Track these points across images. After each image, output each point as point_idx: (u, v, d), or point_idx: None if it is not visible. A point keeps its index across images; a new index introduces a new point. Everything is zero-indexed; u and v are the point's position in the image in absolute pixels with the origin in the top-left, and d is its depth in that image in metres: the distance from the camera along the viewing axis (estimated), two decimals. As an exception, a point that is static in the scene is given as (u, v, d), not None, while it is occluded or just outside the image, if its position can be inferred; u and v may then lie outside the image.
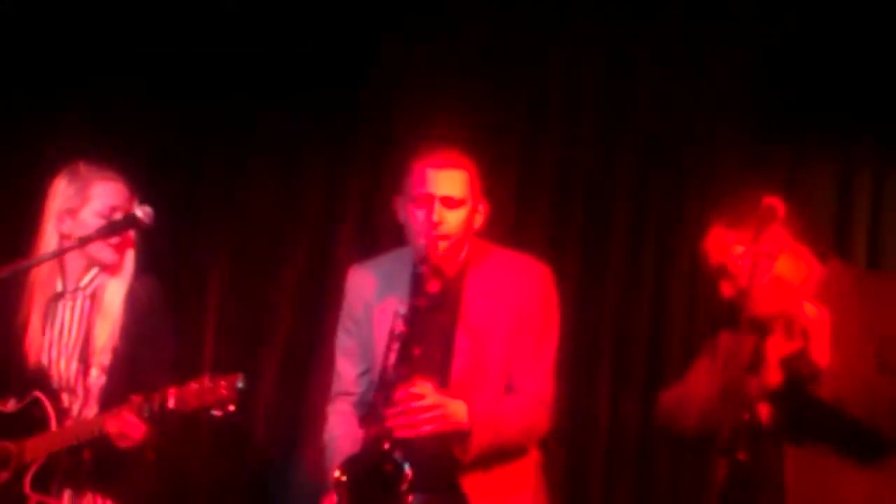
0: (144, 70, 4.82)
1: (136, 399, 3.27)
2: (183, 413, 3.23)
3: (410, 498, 3.10)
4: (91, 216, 3.46)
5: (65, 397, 3.47)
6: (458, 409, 3.22)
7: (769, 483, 3.08)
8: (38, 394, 3.43)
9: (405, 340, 3.21)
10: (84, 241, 3.40)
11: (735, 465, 3.03)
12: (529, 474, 3.41)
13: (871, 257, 4.34)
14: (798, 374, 2.96)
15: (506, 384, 3.36)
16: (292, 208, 4.92)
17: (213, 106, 4.89)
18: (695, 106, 4.59)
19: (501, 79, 4.76)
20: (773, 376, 3.00)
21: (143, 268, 3.58)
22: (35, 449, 3.39)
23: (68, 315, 3.53)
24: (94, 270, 3.54)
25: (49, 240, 3.50)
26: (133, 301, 3.52)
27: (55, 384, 3.47)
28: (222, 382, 3.19)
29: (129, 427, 3.27)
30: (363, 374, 3.47)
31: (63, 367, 3.48)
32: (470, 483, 3.28)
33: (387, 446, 3.13)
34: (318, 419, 3.64)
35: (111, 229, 3.42)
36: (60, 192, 3.51)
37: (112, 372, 3.47)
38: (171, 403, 3.22)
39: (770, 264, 3.00)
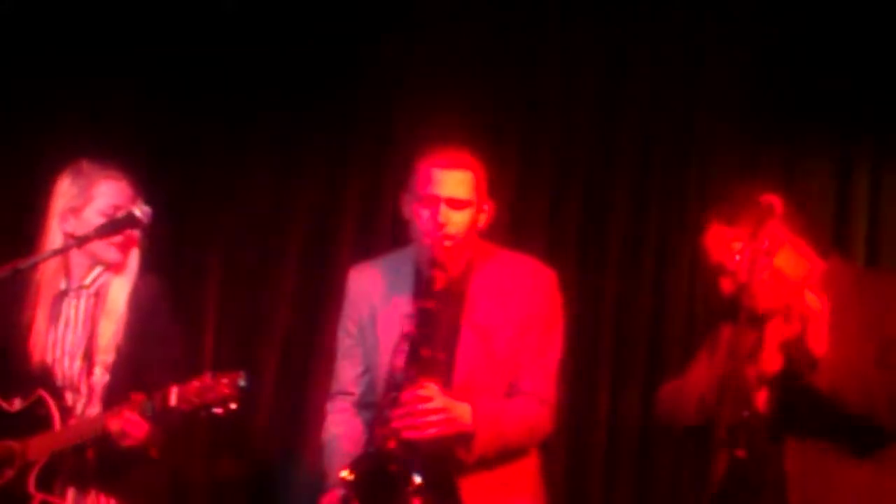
0: (144, 70, 4.82)
1: (138, 397, 3.27)
2: (184, 411, 3.23)
3: (417, 501, 3.11)
4: (94, 215, 3.46)
5: (69, 396, 3.47)
6: (463, 412, 3.22)
7: (769, 479, 3.08)
8: (42, 392, 3.43)
9: (413, 342, 3.20)
10: (81, 241, 3.40)
11: (734, 462, 3.04)
12: (529, 477, 3.41)
13: (870, 256, 4.35)
14: (794, 362, 2.98)
15: (509, 386, 3.36)
16: (292, 208, 4.91)
17: (212, 106, 4.89)
18: (694, 106, 4.59)
19: (501, 79, 4.76)
20: (772, 363, 3.01)
21: (146, 266, 3.57)
22: (38, 448, 3.38)
23: (72, 313, 3.52)
24: (99, 269, 3.54)
25: (53, 238, 3.49)
26: (137, 300, 3.52)
27: (59, 383, 3.47)
28: (224, 380, 3.19)
29: (131, 425, 3.27)
30: (363, 373, 3.47)
31: (67, 365, 3.48)
32: (469, 485, 3.27)
33: (393, 447, 3.13)
34: (318, 418, 3.64)
35: (109, 228, 3.42)
36: (64, 190, 3.52)
37: (116, 370, 3.47)
38: (172, 401, 3.22)
39: (768, 261, 3.01)
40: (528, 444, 3.39)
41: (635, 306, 4.58)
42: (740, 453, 2.99)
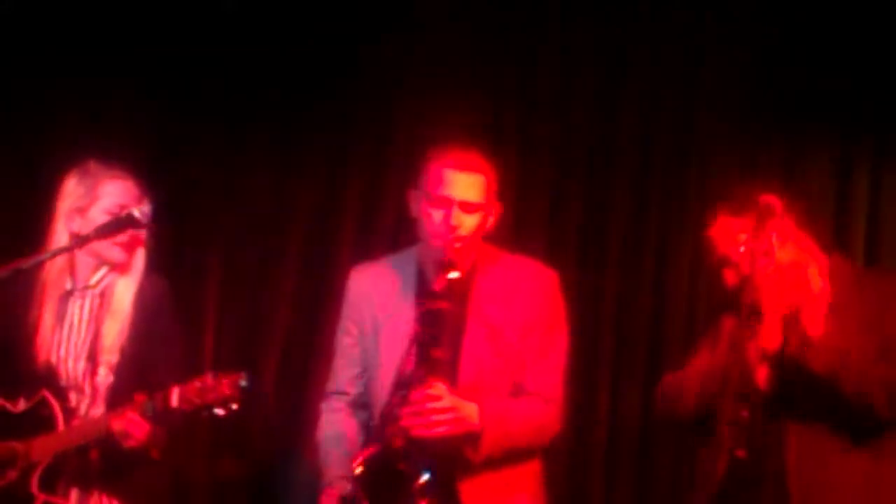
0: (144, 70, 4.82)
1: (140, 398, 3.27)
2: (186, 412, 3.23)
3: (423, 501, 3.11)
4: (100, 214, 3.45)
5: (72, 396, 3.46)
6: (471, 412, 3.21)
7: (770, 472, 3.09)
8: (46, 393, 3.42)
9: (423, 342, 3.19)
10: (81, 241, 3.40)
11: (734, 462, 3.05)
12: (530, 480, 3.40)
13: (870, 255, 4.35)
14: (790, 339, 3.01)
15: (514, 386, 3.35)
16: (292, 208, 4.91)
17: (212, 106, 4.89)
18: (694, 106, 4.59)
19: (501, 79, 4.76)
20: (772, 340, 3.02)
21: (151, 267, 3.57)
22: (42, 448, 3.38)
23: (77, 314, 3.52)
24: (104, 269, 3.54)
25: (59, 238, 3.49)
26: (142, 300, 3.51)
27: (63, 383, 3.46)
28: (225, 381, 3.19)
29: (132, 426, 3.27)
30: (360, 374, 3.46)
31: (71, 365, 3.48)
32: (470, 487, 3.27)
33: (402, 445, 3.13)
34: (317, 417, 3.64)
35: (108, 229, 3.41)
36: (70, 190, 3.51)
37: (120, 371, 3.46)
38: (174, 402, 3.22)
39: (768, 262, 3.02)
40: (537, 444, 3.38)
41: (635, 306, 4.58)
42: (740, 453, 3.00)
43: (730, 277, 3.15)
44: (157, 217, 3.46)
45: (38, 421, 3.40)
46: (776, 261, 3.03)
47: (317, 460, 3.47)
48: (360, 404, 3.45)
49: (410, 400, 3.16)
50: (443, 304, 3.20)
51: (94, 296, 3.53)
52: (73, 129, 4.70)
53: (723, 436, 3.09)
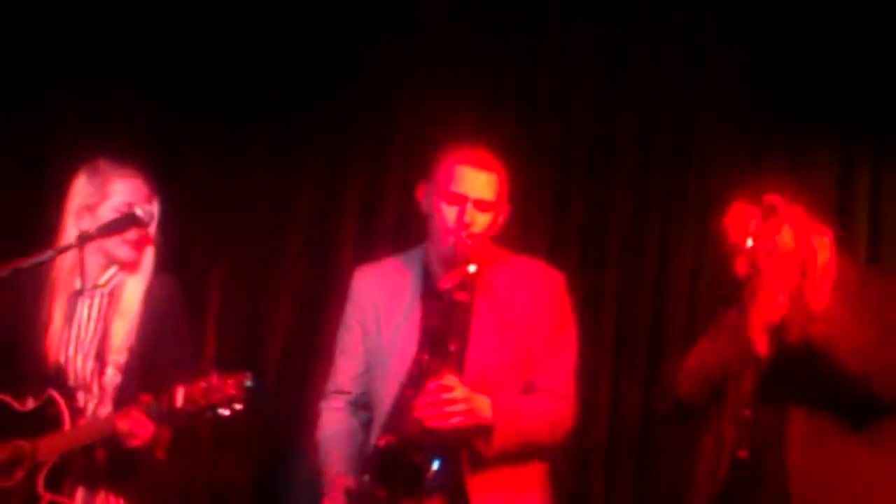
0: (144, 70, 4.82)
1: (145, 398, 3.26)
2: (190, 412, 3.22)
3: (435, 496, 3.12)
4: (109, 213, 3.44)
5: (80, 396, 3.45)
6: (483, 404, 3.21)
7: (771, 477, 3.09)
8: (53, 392, 3.41)
9: (438, 335, 3.20)
10: (83, 240, 3.39)
11: (736, 462, 3.05)
12: (536, 481, 3.38)
13: (870, 255, 4.35)
14: (792, 311, 3.02)
15: (524, 386, 3.34)
16: (292, 208, 4.92)
17: (212, 106, 4.90)
18: (694, 106, 4.59)
19: (501, 79, 4.76)
20: (774, 311, 3.03)
21: (161, 266, 3.56)
22: (48, 448, 3.37)
23: (86, 313, 3.51)
24: (114, 269, 3.53)
25: (69, 236, 3.46)
26: (151, 299, 3.51)
27: (72, 383, 3.45)
28: (230, 381, 3.17)
29: (137, 426, 3.26)
30: (362, 373, 3.46)
31: (80, 365, 3.47)
32: (477, 484, 3.26)
33: (416, 435, 3.13)
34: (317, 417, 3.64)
35: (110, 228, 3.41)
36: (80, 188, 3.50)
37: (127, 371, 3.46)
38: (178, 402, 3.20)
39: (768, 262, 3.03)
40: (550, 441, 3.34)
41: (635, 306, 4.58)
42: (742, 453, 3.00)
43: (741, 266, 3.15)
44: (163, 216, 3.46)
45: (45, 420, 3.39)
46: (782, 252, 3.04)
47: (317, 460, 3.46)
48: (362, 404, 3.44)
49: (425, 391, 3.15)
50: (462, 295, 3.21)
51: (104, 295, 3.52)
52: (73, 130, 4.70)
53: (724, 436, 3.10)
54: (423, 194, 3.39)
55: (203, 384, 3.18)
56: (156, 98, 4.83)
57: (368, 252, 4.40)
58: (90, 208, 3.47)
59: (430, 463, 3.10)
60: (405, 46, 4.83)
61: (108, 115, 4.79)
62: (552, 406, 3.32)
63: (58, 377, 3.44)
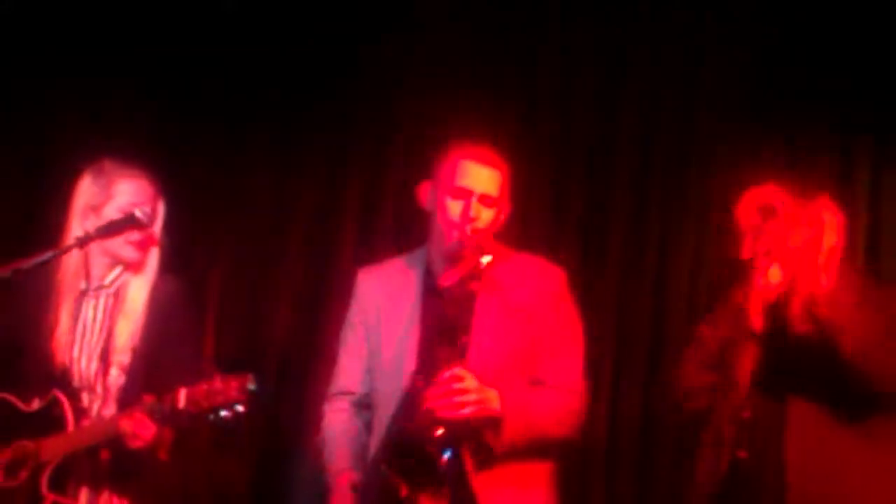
0: (144, 70, 4.82)
1: (148, 399, 3.26)
2: (193, 413, 3.21)
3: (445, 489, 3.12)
4: (114, 213, 3.44)
5: (85, 397, 3.46)
6: (492, 396, 3.21)
7: (770, 477, 3.10)
8: (57, 393, 3.42)
9: (449, 325, 3.20)
10: (83, 241, 3.39)
11: (736, 462, 3.05)
12: (542, 480, 3.37)
13: (870, 255, 4.34)
14: (797, 288, 3.04)
15: (531, 382, 3.34)
16: (292, 208, 4.92)
17: (212, 106, 4.90)
18: (694, 106, 4.59)
19: (501, 79, 4.76)
20: (772, 289, 3.04)
21: (167, 267, 3.56)
22: (51, 449, 3.37)
23: (91, 313, 3.51)
24: (119, 269, 3.53)
25: (74, 236, 3.48)
26: (156, 300, 3.51)
27: (76, 383, 3.46)
28: (233, 383, 3.16)
29: (140, 427, 3.27)
30: (365, 374, 3.46)
31: (84, 366, 3.47)
32: (483, 480, 3.25)
33: (429, 426, 3.12)
34: (318, 418, 3.64)
35: (109, 229, 3.41)
36: (85, 189, 3.51)
37: (131, 372, 3.46)
38: (181, 404, 3.20)
39: (768, 262, 3.03)
40: (559, 435, 3.34)
41: (635, 306, 4.58)
42: (742, 453, 3.01)
43: (746, 250, 3.15)
44: (169, 217, 3.47)
45: (50, 421, 3.40)
46: (785, 247, 3.05)
47: (320, 460, 3.46)
48: (365, 404, 3.45)
49: (436, 382, 3.15)
50: (475, 285, 3.22)
51: (108, 296, 3.53)
52: (73, 130, 4.71)
53: (724, 435, 3.10)
54: (425, 192, 3.39)
55: (206, 386, 3.17)
56: (156, 98, 4.83)
57: (368, 252, 4.40)
58: (95, 209, 3.47)
59: (441, 453, 3.09)
60: (405, 46, 4.83)
61: (108, 115, 4.80)
62: (561, 400, 3.32)
63: (63, 378, 3.45)
